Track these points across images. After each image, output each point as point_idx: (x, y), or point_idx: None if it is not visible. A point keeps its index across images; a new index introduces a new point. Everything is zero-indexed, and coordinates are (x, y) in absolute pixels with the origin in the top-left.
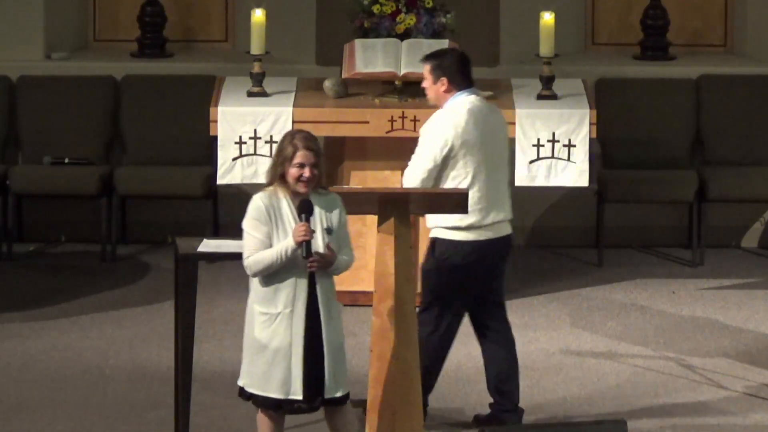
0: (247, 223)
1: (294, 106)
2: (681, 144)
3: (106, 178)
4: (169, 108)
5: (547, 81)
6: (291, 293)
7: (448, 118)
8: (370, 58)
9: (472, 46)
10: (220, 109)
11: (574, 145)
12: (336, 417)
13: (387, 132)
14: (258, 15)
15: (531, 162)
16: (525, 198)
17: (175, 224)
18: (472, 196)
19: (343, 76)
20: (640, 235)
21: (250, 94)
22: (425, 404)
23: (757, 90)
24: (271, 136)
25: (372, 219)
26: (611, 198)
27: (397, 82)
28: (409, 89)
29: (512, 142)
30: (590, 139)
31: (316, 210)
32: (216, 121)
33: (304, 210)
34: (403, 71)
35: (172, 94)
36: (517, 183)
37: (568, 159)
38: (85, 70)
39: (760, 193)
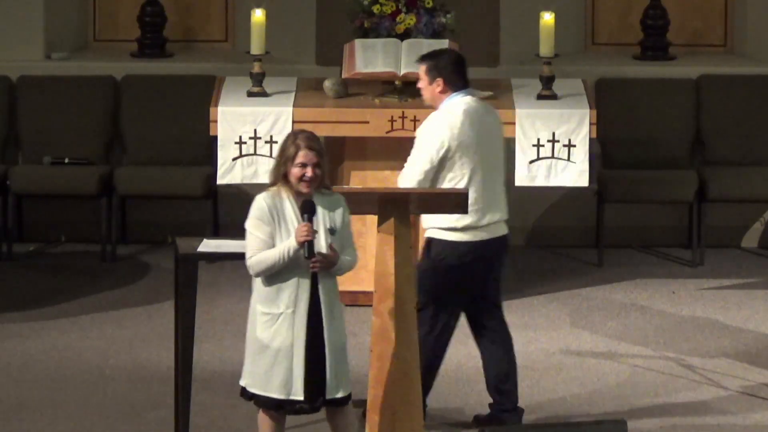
0: (250, 223)
1: (294, 106)
2: (681, 144)
3: (106, 178)
4: (169, 108)
5: (547, 81)
6: (293, 293)
7: (444, 120)
8: (370, 58)
9: (472, 46)
10: (220, 109)
11: (574, 145)
12: (337, 417)
13: (387, 132)
14: (258, 15)
15: (531, 162)
16: (525, 198)
17: (175, 224)
18: (469, 197)
19: (343, 76)
20: (640, 235)
21: (250, 94)
22: (424, 404)
23: (757, 90)
24: (271, 136)
25: (372, 219)
26: (611, 198)
27: (397, 82)
28: (409, 89)
29: (512, 142)
30: (590, 139)
31: (319, 210)
32: (216, 121)
33: (307, 210)
34: (403, 71)
35: (172, 94)
36: (517, 183)
37: (568, 159)
38: (85, 70)
39: (760, 193)
